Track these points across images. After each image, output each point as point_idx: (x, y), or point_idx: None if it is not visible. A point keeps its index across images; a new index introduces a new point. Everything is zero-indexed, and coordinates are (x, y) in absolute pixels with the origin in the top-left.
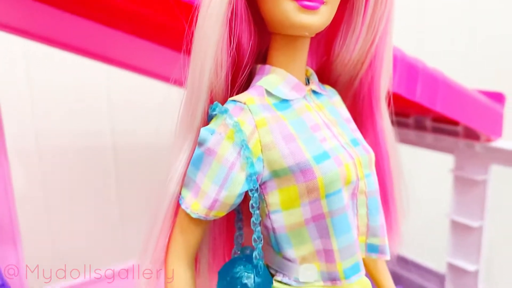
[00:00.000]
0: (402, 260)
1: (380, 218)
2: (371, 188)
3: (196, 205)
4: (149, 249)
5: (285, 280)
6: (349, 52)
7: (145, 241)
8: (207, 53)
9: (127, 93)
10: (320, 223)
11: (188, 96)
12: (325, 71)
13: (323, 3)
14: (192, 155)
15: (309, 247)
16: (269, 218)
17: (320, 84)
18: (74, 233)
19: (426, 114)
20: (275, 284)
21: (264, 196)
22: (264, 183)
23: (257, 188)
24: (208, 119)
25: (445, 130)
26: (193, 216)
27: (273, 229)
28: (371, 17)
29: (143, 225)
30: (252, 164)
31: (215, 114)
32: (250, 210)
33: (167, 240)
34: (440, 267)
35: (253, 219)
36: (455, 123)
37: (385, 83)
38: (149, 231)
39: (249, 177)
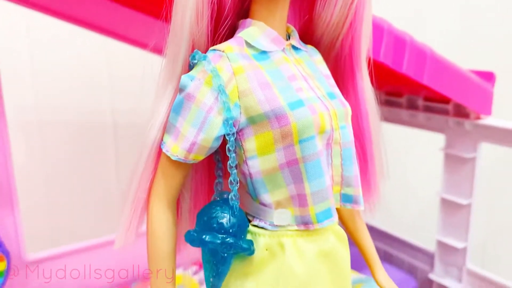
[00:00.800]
0: (392, 239)
1: (354, 169)
2: (346, 139)
3: (176, 148)
4: (131, 190)
5: (261, 224)
6: (330, 11)
7: (128, 183)
8: (188, 2)
9: (127, 72)
10: (294, 168)
11: (170, 45)
12: (308, 31)
13: None
14: (173, 102)
15: (284, 192)
16: (246, 164)
17: (301, 42)
18: (72, 206)
19: (418, 94)
20: (251, 228)
21: (241, 143)
22: (241, 130)
23: (234, 133)
24: (189, 68)
25: (436, 108)
26: (173, 158)
27: (250, 174)
28: None
29: None
30: (229, 109)
31: (196, 63)
32: (227, 153)
33: (149, 183)
34: (430, 246)
35: (229, 162)
36: (445, 101)
37: (365, 43)
38: (132, 174)
39: (225, 121)
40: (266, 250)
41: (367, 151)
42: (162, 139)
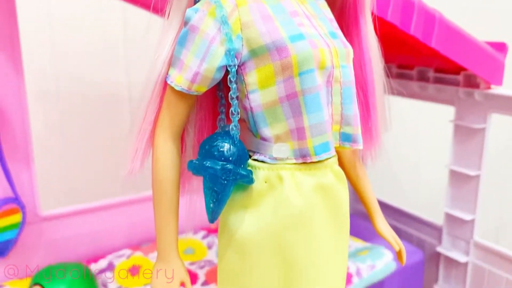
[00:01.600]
0: (401, 214)
1: (354, 108)
2: (346, 78)
3: (180, 78)
4: (138, 122)
5: (261, 158)
6: None
7: (135, 117)
8: None
9: (143, 47)
10: (293, 101)
11: None
12: None
13: None
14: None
15: (283, 126)
16: (248, 98)
17: None
18: (87, 170)
19: (429, 65)
20: (251, 162)
21: (243, 77)
22: (243, 63)
23: (235, 64)
24: (194, 2)
25: (446, 79)
26: (177, 89)
27: (251, 108)
28: None
29: None
30: (231, 40)
31: None
32: (228, 84)
33: (154, 115)
34: (439, 220)
35: (230, 93)
36: (456, 72)
37: None
38: (138, 108)
39: (227, 52)
40: (265, 182)
41: (369, 99)
42: (167, 73)
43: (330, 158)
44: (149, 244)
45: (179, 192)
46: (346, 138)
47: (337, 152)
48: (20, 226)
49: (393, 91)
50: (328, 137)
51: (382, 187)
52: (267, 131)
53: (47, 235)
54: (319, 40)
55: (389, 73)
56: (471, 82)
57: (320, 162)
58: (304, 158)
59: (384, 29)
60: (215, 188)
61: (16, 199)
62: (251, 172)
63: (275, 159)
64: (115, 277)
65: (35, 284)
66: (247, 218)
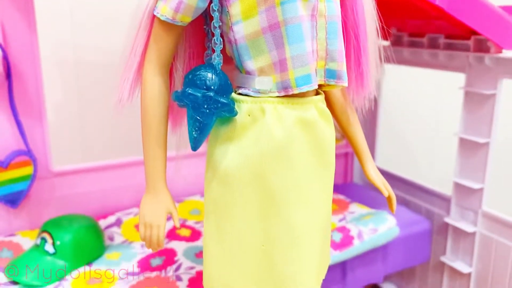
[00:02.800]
0: (409, 185)
1: (339, 43)
2: (331, 12)
3: (165, 8)
4: (126, 53)
5: (245, 91)
6: None
7: (124, 50)
8: None
9: None
10: (275, 32)
11: None
12: None
13: None
14: None
15: (267, 58)
16: (232, 30)
17: None
18: (101, 135)
19: (440, 32)
20: (235, 96)
21: (227, 8)
22: None
23: None
24: None
25: (457, 45)
26: (162, 18)
27: (235, 40)
28: None
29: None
30: None
31: None
32: (211, 13)
33: (142, 47)
34: (448, 191)
35: (213, 22)
36: (466, 37)
37: None
38: (127, 41)
39: None
40: (249, 116)
41: (361, 42)
42: (154, 5)
43: (313, 95)
44: None
45: (167, 126)
46: (331, 74)
47: (328, 97)
48: (31, 178)
49: (405, 61)
50: (310, 69)
51: (392, 159)
52: (251, 64)
53: (59, 191)
54: None
55: (401, 42)
56: (482, 47)
57: (303, 98)
58: (286, 90)
59: None
60: (197, 117)
61: (28, 152)
62: (233, 102)
63: (258, 91)
64: (122, 231)
65: (43, 231)
66: (231, 150)
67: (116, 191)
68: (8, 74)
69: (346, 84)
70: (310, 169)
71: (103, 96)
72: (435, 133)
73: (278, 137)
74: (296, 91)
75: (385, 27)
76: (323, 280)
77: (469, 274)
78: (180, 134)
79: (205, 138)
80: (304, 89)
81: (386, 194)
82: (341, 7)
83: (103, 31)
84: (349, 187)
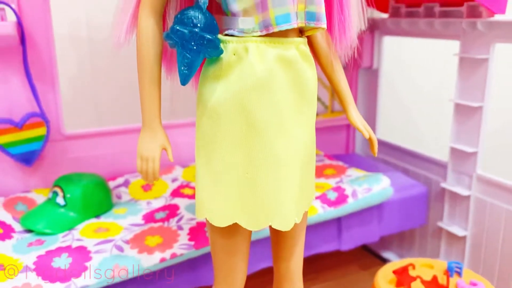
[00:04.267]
0: (407, 154)
1: None
2: None
3: None
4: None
5: (230, 32)
6: None
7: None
8: None
9: None
10: None
11: None
12: None
13: None
14: None
15: (249, 0)
16: None
17: None
18: (111, 102)
19: (435, 1)
20: (221, 37)
21: None
22: None
23: None
24: None
25: (451, 12)
26: None
27: None
28: None
29: None
30: None
31: None
32: None
33: None
34: (445, 157)
35: None
36: (460, 4)
37: None
38: None
39: None
40: (234, 55)
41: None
42: None
43: (295, 36)
44: (163, 169)
45: (160, 66)
46: (310, 17)
47: (312, 42)
48: (44, 139)
49: (403, 32)
50: (289, 9)
51: (393, 129)
52: (235, 6)
53: (70, 153)
54: None
55: (399, 13)
56: (475, 13)
57: (285, 38)
58: (267, 29)
59: None
60: (186, 53)
61: (41, 114)
62: (218, 40)
63: (243, 31)
64: (129, 191)
65: (55, 186)
66: (218, 87)
67: (125, 155)
68: (22, 40)
69: (325, 26)
70: (290, 103)
71: (114, 69)
72: (434, 102)
73: (259, 72)
74: (276, 29)
75: None
76: (318, 236)
77: (464, 238)
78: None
79: (193, 73)
80: (284, 27)
81: (366, 135)
82: None
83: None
84: (350, 156)
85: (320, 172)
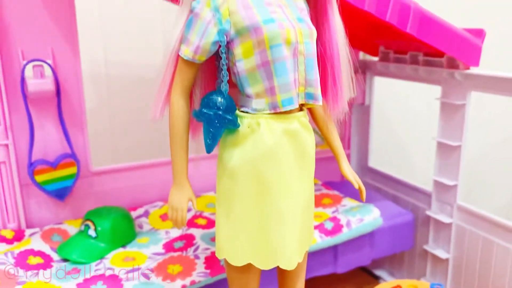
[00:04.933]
0: (398, 183)
1: (314, 74)
2: (308, 51)
3: (187, 50)
4: (158, 82)
5: (245, 109)
6: None
7: (157, 79)
8: None
9: None
10: (267, 68)
11: None
12: None
13: None
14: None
15: (261, 86)
16: (235, 65)
17: None
18: (131, 139)
19: (419, 50)
20: (239, 113)
21: (232, 50)
22: (232, 40)
23: (225, 40)
24: None
25: (433, 62)
26: (185, 58)
27: (238, 73)
28: None
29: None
30: (221, 23)
31: None
32: (220, 54)
33: (170, 78)
34: (429, 187)
35: (221, 61)
36: (441, 55)
37: None
38: (160, 73)
39: (219, 31)
40: (248, 127)
41: (335, 71)
42: (179, 48)
43: (296, 112)
44: None
45: (188, 135)
46: (309, 96)
47: (312, 111)
48: (75, 177)
49: (392, 74)
50: (292, 94)
51: (384, 160)
52: (249, 90)
53: (97, 187)
54: (287, 23)
55: (388, 58)
56: (453, 64)
57: (288, 113)
58: (275, 109)
59: (382, 22)
60: (210, 129)
61: (73, 155)
62: (236, 118)
63: (255, 110)
64: (149, 221)
65: (87, 219)
66: (235, 153)
67: (144, 187)
68: (58, 91)
69: (320, 103)
70: (294, 167)
71: (131, 106)
72: (422, 136)
73: (269, 143)
74: (282, 110)
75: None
76: (317, 262)
77: (447, 260)
78: (198, 141)
79: (216, 143)
80: (288, 108)
81: (356, 186)
82: (320, 43)
83: (130, 49)
84: (345, 184)
85: (318, 201)
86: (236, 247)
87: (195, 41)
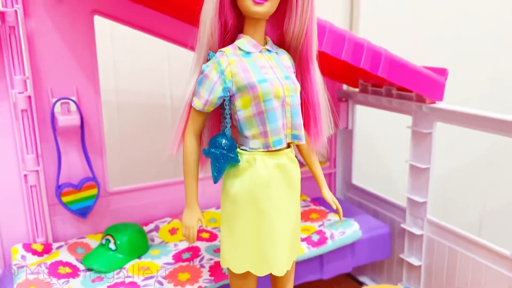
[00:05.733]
0: (378, 199)
1: (299, 119)
2: (294, 102)
3: (198, 103)
4: (175, 127)
5: (244, 148)
6: (292, 26)
7: (175, 125)
8: (206, 24)
9: (182, 66)
10: (261, 116)
11: (197, 49)
12: (282, 41)
13: (267, 0)
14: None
15: (256, 130)
16: (236, 114)
17: (275, 46)
18: (142, 162)
19: (393, 85)
20: (239, 150)
21: (234, 102)
22: (233, 95)
23: (228, 96)
24: (207, 60)
25: (404, 95)
26: (196, 108)
27: (238, 120)
28: (302, 5)
29: None
30: (225, 82)
31: (210, 58)
32: (224, 106)
33: (184, 123)
34: (404, 203)
35: (225, 111)
36: (410, 91)
37: (315, 47)
38: (177, 120)
39: (224, 89)
40: (246, 162)
41: (316, 114)
42: (192, 100)
43: (284, 149)
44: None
45: (198, 167)
46: (295, 137)
47: (298, 146)
48: (96, 197)
49: (369, 104)
50: (281, 136)
51: (365, 178)
52: (247, 132)
53: (113, 205)
54: (276, 82)
55: (366, 90)
56: (421, 98)
57: (278, 151)
58: (267, 148)
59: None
60: (216, 164)
61: (94, 178)
62: (237, 155)
63: (252, 148)
64: (160, 235)
65: (107, 234)
66: (236, 182)
67: (154, 205)
68: (81, 124)
69: (304, 142)
70: (284, 194)
71: (141, 132)
72: (397, 158)
73: (264, 175)
74: (273, 149)
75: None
76: (305, 269)
77: (420, 267)
78: (205, 171)
79: (221, 175)
80: (278, 147)
81: (334, 207)
82: (304, 92)
83: (138, 79)
84: None
85: (307, 216)
86: (237, 258)
87: (204, 96)
